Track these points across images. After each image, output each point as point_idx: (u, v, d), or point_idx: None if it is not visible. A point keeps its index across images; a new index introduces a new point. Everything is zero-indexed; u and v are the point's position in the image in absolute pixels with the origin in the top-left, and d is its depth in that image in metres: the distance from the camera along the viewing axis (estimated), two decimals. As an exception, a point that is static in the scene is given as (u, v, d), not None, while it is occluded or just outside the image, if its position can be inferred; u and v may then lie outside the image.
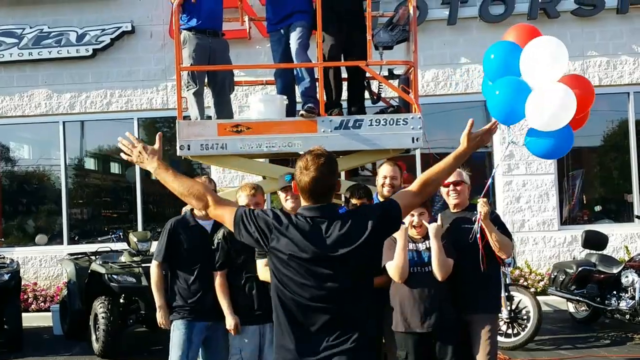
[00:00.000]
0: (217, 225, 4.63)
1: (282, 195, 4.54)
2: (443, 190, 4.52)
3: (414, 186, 3.06)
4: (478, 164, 10.51)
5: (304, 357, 2.75)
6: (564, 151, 4.25)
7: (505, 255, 4.36)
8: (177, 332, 4.65)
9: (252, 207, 3.85)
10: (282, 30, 6.06)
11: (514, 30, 4.23)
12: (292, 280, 2.78)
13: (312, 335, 2.77)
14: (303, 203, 2.91)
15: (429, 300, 4.18)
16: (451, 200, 4.52)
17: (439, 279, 4.17)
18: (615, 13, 10.41)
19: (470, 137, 3.14)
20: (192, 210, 4.80)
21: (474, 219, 4.26)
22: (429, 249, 4.24)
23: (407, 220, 4.22)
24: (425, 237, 4.28)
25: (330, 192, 2.90)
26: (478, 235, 4.19)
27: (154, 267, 4.78)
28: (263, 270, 4.28)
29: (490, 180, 4.36)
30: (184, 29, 6.01)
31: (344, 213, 2.97)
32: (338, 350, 2.74)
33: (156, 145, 3.21)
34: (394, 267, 4.18)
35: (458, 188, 4.49)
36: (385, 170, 4.89)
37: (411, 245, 4.28)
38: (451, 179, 4.42)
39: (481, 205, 4.19)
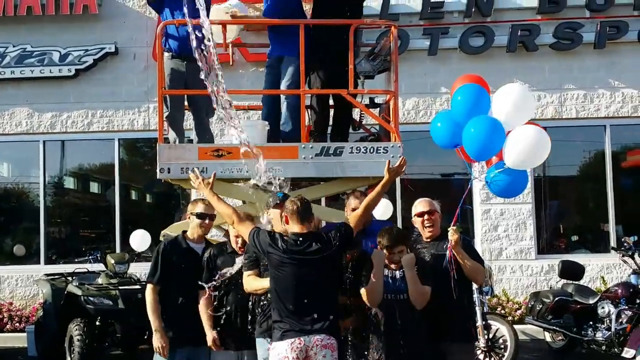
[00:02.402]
0: (217, 251, 4.73)
1: (276, 212, 4.51)
2: (417, 220, 4.58)
3: (359, 211, 4.42)
4: (456, 192, 10.62)
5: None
6: (519, 190, 4.58)
7: (478, 283, 4.43)
8: (159, 356, 4.63)
9: (240, 237, 4.56)
10: (276, 58, 6.11)
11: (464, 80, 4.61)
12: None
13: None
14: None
15: (404, 328, 4.20)
16: (426, 231, 4.56)
17: (417, 308, 4.21)
18: (592, 48, 10.64)
19: (390, 170, 4.49)
20: (184, 232, 4.83)
21: (445, 246, 4.33)
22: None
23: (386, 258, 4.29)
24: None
25: None
26: (450, 263, 4.27)
27: (149, 290, 4.72)
28: (247, 280, 4.45)
29: (459, 209, 4.45)
30: (165, 52, 6.03)
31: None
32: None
33: (211, 179, 4.71)
34: (367, 289, 4.25)
35: (432, 217, 4.55)
36: (354, 203, 4.90)
37: (388, 272, 4.31)
38: (425, 208, 4.54)
39: (451, 234, 4.27)
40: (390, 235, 4.31)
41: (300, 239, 4.14)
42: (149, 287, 4.73)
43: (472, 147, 4.36)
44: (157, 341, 4.62)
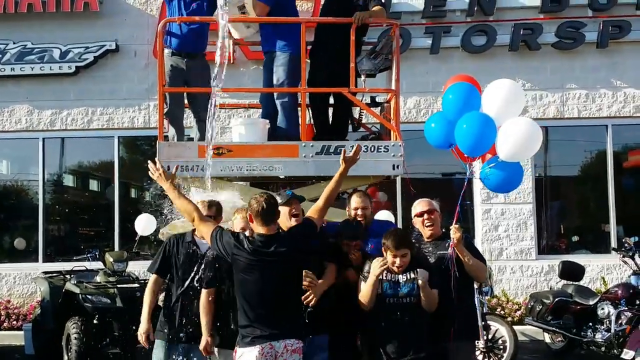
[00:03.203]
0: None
1: (285, 209, 4.45)
2: (417, 220, 4.57)
3: (319, 203, 4.40)
4: (457, 191, 10.58)
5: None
6: (514, 185, 4.61)
7: (480, 280, 4.42)
8: (157, 350, 4.63)
9: (247, 229, 4.38)
10: (268, 55, 6.08)
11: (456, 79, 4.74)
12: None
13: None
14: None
15: (406, 331, 4.18)
16: (426, 230, 4.55)
17: (429, 312, 4.23)
18: (595, 47, 10.61)
19: (345, 159, 4.51)
20: (194, 229, 4.75)
21: (447, 245, 4.32)
22: (410, 280, 4.24)
23: (389, 259, 4.24)
24: (410, 268, 4.27)
25: None
26: (451, 262, 4.28)
27: (150, 279, 4.82)
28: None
29: (458, 207, 4.43)
30: (166, 48, 6.00)
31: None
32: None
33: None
34: (360, 296, 4.27)
35: (432, 216, 4.54)
36: (355, 202, 4.92)
37: (390, 276, 4.28)
38: (424, 208, 4.54)
39: (453, 232, 4.27)
40: (395, 238, 4.26)
41: (266, 240, 4.03)
42: (151, 277, 4.80)
43: (464, 143, 4.44)
44: (140, 328, 4.65)
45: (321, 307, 4.34)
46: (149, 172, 4.66)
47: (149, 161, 4.72)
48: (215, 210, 4.70)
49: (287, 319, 3.99)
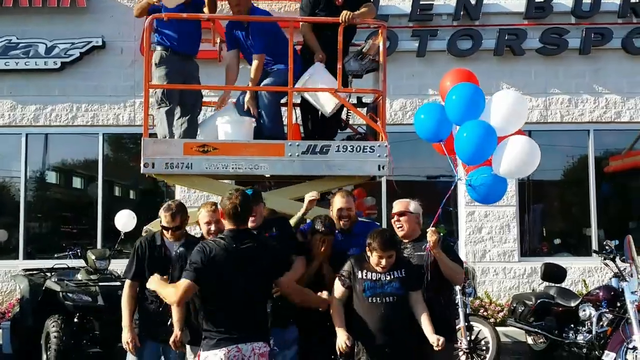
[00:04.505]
0: (186, 246, 4.63)
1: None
2: (393, 220, 4.60)
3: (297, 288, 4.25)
4: (441, 194, 10.63)
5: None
6: (497, 198, 4.66)
7: (456, 283, 4.44)
8: (130, 355, 4.66)
9: (212, 224, 4.47)
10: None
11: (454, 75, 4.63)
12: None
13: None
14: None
15: (387, 331, 4.21)
16: (398, 231, 4.58)
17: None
18: (578, 53, 10.73)
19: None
20: (162, 230, 4.77)
21: (423, 247, 4.37)
22: (395, 280, 4.26)
23: (373, 261, 4.27)
24: (392, 267, 4.30)
25: None
26: (427, 264, 4.33)
27: (125, 285, 4.78)
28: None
29: (440, 211, 4.45)
30: (160, 48, 5.98)
31: None
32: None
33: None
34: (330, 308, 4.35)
35: (402, 219, 4.56)
36: (339, 203, 4.90)
37: (372, 275, 4.30)
38: (396, 209, 4.59)
39: (430, 234, 4.29)
40: (382, 239, 4.26)
41: (235, 234, 3.90)
42: (126, 282, 4.77)
43: (464, 151, 4.39)
44: (124, 337, 4.62)
45: (288, 300, 4.30)
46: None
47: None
48: (180, 220, 4.69)
49: (255, 321, 3.85)
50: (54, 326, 7.08)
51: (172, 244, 4.72)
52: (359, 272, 4.33)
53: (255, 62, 5.91)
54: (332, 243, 4.66)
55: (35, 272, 8.44)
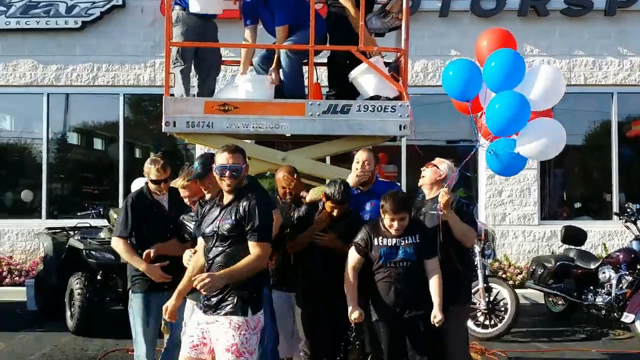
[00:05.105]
0: (174, 199, 4.66)
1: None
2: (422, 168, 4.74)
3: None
4: (461, 158, 10.55)
5: None
6: (512, 173, 4.74)
7: (467, 246, 4.42)
8: (135, 302, 4.66)
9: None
10: None
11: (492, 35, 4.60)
12: None
13: None
14: None
15: (402, 296, 4.21)
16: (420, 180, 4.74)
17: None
18: (603, 15, 10.50)
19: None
20: (147, 184, 4.75)
21: (434, 206, 4.36)
22: (409, 245, 4.24)
23: (386, 223, 4.24)
24: (407, 232, 4.27)
25: None
26: (439, 226, 4.33)
27: (116, 242, 4.64)
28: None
29: (457, 173, 4.43)
30: (178, 7, 5.93)
31: None
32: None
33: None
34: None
35: (427, 168, 4.66)
36: (359, 156, 4.94)
37: (388, 241, 4.27)
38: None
39: (441, 195, 4.27)
40: (394, 201, 4.21)
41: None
42: (119, 240, 4.62)
43: (495, 122, 4.27)
44: (153, 275, 4.50)
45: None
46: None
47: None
48: (169, 170, 4.71)
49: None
50: (77, 283, 7.18)
51: (161, 198, 4.71)
52: (375, 239, 4.28)
53: (278, 35, 5.84)
54: (341, 214, 4.56)
55: (58, 230, 8.57)
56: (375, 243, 4.28)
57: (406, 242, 4.24)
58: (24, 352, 6.65)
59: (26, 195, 10.46)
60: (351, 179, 4.87)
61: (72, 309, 7.18)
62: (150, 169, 4.65)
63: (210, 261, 3.78)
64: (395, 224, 4.20)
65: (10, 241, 10.70)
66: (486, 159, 4.55)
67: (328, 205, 4.53)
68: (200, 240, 3.97)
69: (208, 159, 4.12)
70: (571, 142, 11.27)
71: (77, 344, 6.91)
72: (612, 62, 10.65)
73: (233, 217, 3.71)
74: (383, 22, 6.06)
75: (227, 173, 3.76)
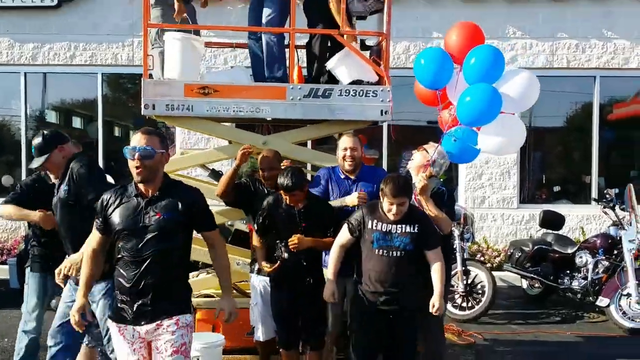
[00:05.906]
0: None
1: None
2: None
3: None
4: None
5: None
6: (464, 161, 4.98)
7: (443, 231, 4.43)
8: (32, 281, 4.80)
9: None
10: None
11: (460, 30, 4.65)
12: None
13: None
14: None
15: (392, 284, 4.15)
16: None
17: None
18: (587, -4, 10.50)
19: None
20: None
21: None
22: (406, 234, 4.12)
23: (385, 207, 4.13)
24: (405, 220, 4.15)
25: None
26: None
27: (7, 207, 4.84)
28: None
29: (432, 159, 4.42)
30: None
31: None
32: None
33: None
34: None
35: (417, 151, 4.74)
36: (345, 142, 4.93)
37: (383, 226, 4.16)
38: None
39: (418, 180, 4.33)
40: (393, 185, 4.07)
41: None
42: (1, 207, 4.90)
43: (465, 114, 4.30)
44: (47, 223, 4.72)
45: None
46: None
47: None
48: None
49: None
50: (57, 262, 7.17)
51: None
52: (370, 221, 4.17)
53: None
54: (301, 199, 4.51)
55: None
56: (369, 226, 4.17)
57: (402, 230, 4.12)
58: (7, 330, 6.65)
59: (7, 180, 10.37)
60: (341, 168, 4.96)
61: (55, 288, 7.18)
62: None
63: (143, 257, 3.37)
64: (394, 208, 4.06)
65: (-11, 220, 10.60)
66: (443, 143, 4.52)
67: (285, 197, 4.50)
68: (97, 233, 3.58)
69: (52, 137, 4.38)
70: (552, 125, 11.40)
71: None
72: (596, 44, 10.66)
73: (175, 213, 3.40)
74: (365, 5, 5.99)
75: (137, 155, 3.38)
